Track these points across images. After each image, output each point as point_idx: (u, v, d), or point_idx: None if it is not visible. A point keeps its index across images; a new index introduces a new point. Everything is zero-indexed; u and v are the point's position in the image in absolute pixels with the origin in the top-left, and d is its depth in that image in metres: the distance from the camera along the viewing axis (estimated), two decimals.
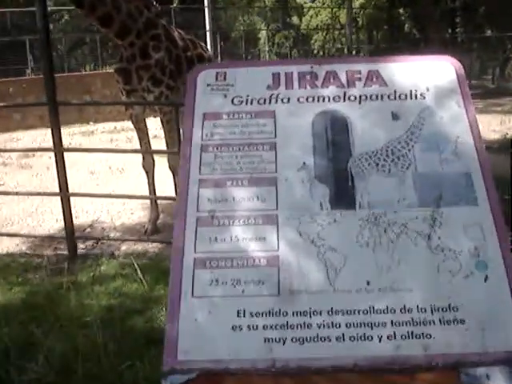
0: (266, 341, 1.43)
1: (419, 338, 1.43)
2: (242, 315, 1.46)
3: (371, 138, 1.70)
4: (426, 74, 1.82)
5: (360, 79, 1.82)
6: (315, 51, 23.32)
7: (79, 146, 9.61)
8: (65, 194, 4.66)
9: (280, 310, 1.46)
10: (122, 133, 10.71)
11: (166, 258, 4.83)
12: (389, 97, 1.78)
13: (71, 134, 10.55)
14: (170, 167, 5.31)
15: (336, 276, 1.50)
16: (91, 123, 12.11)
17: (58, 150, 4.61)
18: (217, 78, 1.83)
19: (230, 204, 1.62)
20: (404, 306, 1.46)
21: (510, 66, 20.74)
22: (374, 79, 1.81)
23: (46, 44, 4.52)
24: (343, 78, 1.82)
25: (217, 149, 1.71)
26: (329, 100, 1.78)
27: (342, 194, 1.63)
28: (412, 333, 1.43)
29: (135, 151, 5.46)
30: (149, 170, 5.39)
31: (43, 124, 11.82)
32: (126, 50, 4.83)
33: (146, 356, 3.21)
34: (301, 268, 1.52)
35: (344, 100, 1.78)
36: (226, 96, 1.80)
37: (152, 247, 5.21)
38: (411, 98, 1.78)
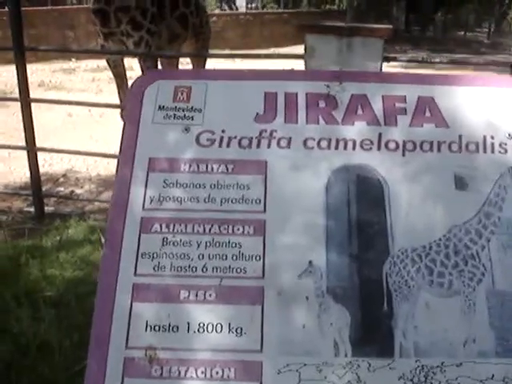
0: None
1: None
2: None
3: (422, 222, 1.03)
4: (508, 106, 1.13)
5: (405, 112, 1.12)
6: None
7: (59, 84, 9.05)
8: (31, 148, 4.07)
9: None
10: (105, 72, 10.07)
11: None
12: (450, 146, 1.10)
13: (52, 71, 10.04)
14: None
15: None
16: (73, 60, 11.49)
17: (24, 99, 3.98)
18: (176, 97, 1.13)
19: (183, 336, 0.95)
20: None
21: (505, 22, 19.98)
22: (428, 113, 1.12)
23: None
24: (378, 109, 1.12)
25: (167, 227, 1.03)
26: (354, 147, 1.09)
27: (372, 327, 0.97)
28: None
29: (111, 106, 4.82)
30: None
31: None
32: None
33: None
34: None
35: (379, 148, 1.09)
36: (187, 130, 1.11)
37: None
38: (485, 151, 1.10)
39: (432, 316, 0.97)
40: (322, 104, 1.12)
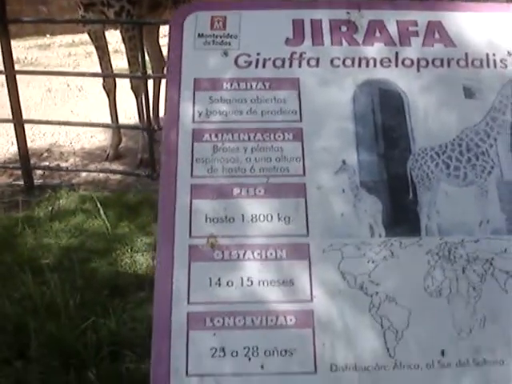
0: None
1: None
2: None
3: (438, 126, 1.19)
4: (509, 29, 1.29)
5: (417, 34, 1.27)
6: None
7: (35, 60, 8.89)
8: (18, 121, 4.10)
9: None
10: (81, 46, 9.91)
11: (129, 187, 4.48)
12: (458, 62, 1.25)
13: (27, 48, 9.83)
14: (132, 89, 4.83)
15: (397, 342, 1.03)
16: (48, 36, 11.28)
17: (10, 72, 4.00)
18: (213, 26, 1.26)
19: (239, 226, 1.10)
20: None
21: None
22: (437, 35, 1.27)
23: None
24: (394, 32, 1.27)
25: (216, 136, 1.16)
26: (375, 65, 1.24)
27: (401, 212, 1.12)
28: None
29: (94, 74, 4.85)
30: (110, 90, 4.90)
31: None
32: None
33: (110, 308, 2.84)
34: (346, 330, 1.03)
35: (396, 65, 1.24)
36: (226, 54, 1.24)
37: (113, 175, 4.80)
38: (488, 66, 1.26)
39: (451, 202, 1.13)
40: (343, 29, 1.27)
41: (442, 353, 1.02)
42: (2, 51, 4.14)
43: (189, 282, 1.05)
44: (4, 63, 4.18)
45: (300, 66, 1.23)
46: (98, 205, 3.85)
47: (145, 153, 4.87)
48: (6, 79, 4.22)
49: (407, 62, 1.24)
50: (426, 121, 1.19)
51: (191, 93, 1.19)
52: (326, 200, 1.11)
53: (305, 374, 1.00)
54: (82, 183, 4.64)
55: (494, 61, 1.26)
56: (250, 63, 1.23)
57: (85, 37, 10.74)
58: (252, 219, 1.10)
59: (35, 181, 4.66)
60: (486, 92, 1.22)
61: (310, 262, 1.07)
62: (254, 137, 1.16)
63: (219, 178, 1.13)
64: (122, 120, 5.23)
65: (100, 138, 5.61)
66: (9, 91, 4.23)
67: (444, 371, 1.01)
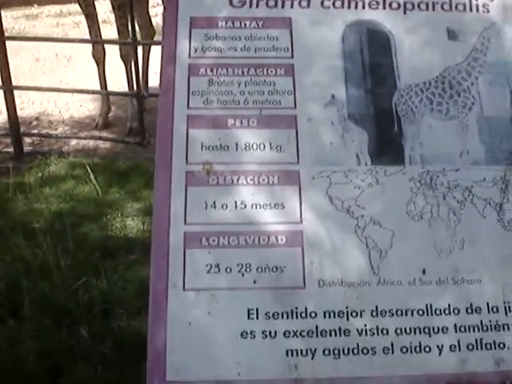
0: (288, 353, 1.03)
1: (490, 348, 1.06)
2: (255, 316, 1.05)
3: (422, 64, 1.25)
4: None
5: None
6: None
7: (23, 30, 8.83)
8: (7, 87, 4.12)
9: (306, 310, 1.06)
10: (69, 17, 9.84)
11: (118, 155, 4.51)
12: (442, 6, 1.31)
13: (14, 18, 9.75)
14: (121, 57, 4.84)
15: (381, 261, 1.10)
16: (35, 6, 11.15)
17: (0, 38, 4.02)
18: None
19: (233, 153, 1.16)
20: (471, 305, 1.08)
21: None
22: None
23: None
24: None
25: (211, 71, 1.22)
26: (363, 6, 1.30)
27: (386, 143, 1.19)
28: (481, 341, 1.06)
29: (84, 41, 4.85)
30: (99, 59, 4.90)
31: None
32: None
33: (102, 269, 2.90)
34: (333, 249, 1.10)
35: (384, 7, 1.30)
36: None
37: (103, 143, 4.83)
38: (471, 10, 1.32)
39: (434, 135, 1.20)
40: None
41: (423, 271, 1.09)
42: None
43: (185, 205, 1.11)
44: None
45: (292, 6, 1.28)
46: (89, 170, 3.89)
47: (134, 121, 4.89)
48: None
49: (394, 5, 1.30)
50: (411, 59, 1.25)
51: (187, 30, 1.24)
52: (316, 131, 1.18)
53: (294, 288, 1.07)
54: (71, 151, 4.67)
55: (477, 5, 1.32)
56: (244, 3, 1.28)
57: (73, 7, 10.65)
58: (245, 148, 1.16)
59: (25, 148, 4.68)
60: (469, 34, 1.29)
61: (300, 188, 1.13)
62: (248, 72, 1.22)
63: (214, 109, 1.19)
64: (111, 89, 5.24)
65: (89, 107, 5.62)
66: None
67: (424, 288, 1.09)
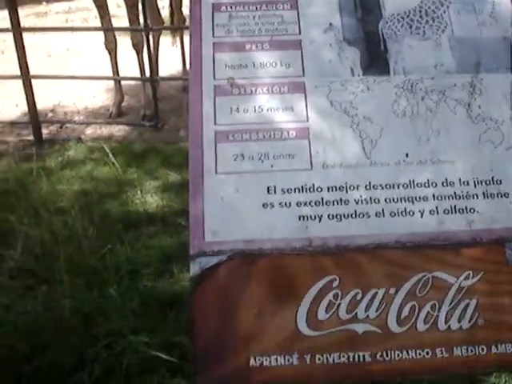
0: (300, 218, 1.31)
1: (463, 212, 1.33)
2: (273, 192, 1.33)
3: None
4: None
5: None
6: None
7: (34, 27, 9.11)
8: (26, 77, 4.40)
9: (314, 186, 1.33)
10: (78, 13, 10.17)
11: (134, 140, 4.72)
12: None
13: (24, 16, 10.08)
14: (133, 46, 5.10)
15: (372, 148, 1.37)
16: (44, 3, 11.44)
17: (16, 30, 4.30)
18: None
19: (251, 70, 1.44)
20: (446, 180, 1.35)
21: None
22: None
23: None
24: None
25: (231, 8, 1.51)
26: None
27: (374, 59, 1.47)
28: (455, 207, 1.33)
29: (97, 29, 5.14)
30: (111, 49, 5.15)
31: None
32: None
33: (126, 239, 3.14)
34: (334, 140, 1.38)
35: None
36: None
37: (118, 130, 5.08)
38: None
39: (413, 52, 1.47)
40: None
41: (407, 155, 1.37)
42: (9, 11, 4.41)
43: (214, 110, 1.39)
44: (11, 21, 4.45)
45: None
46: (107, 150, 4.13)
47: (147, 108, 5.15)
48: (14, 38, 4.49)
49: None
50: None
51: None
52: (317, 51, 1.46)
53: (303, 170, 1.35)
54: (88, 139, 4.93)
55: None
56: None
57: (80, 4, 10.93)
58: (260, 65, 1.44)
59: (44, 137, 4.93)
60: None
61: (305, 94, 1.41)
62: (260, 7, 1.50)
63: (234, 37, 1.47)
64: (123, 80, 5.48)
65: (102, 98, 5.88)
66: (16, 48, 4.50)
67: (408, 168, 1.36)
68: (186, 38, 6.03)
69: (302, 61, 1.44)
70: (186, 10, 6.25)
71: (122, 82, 5.28)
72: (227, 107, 1.40)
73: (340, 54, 1.46)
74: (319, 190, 1.33)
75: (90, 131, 5.03)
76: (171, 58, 6.08)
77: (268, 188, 1.33)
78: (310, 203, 1.32)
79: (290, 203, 1.32)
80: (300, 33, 1.48)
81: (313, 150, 1.36)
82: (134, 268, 2.92)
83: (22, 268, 2.93)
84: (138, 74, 5.28)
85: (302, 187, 1.33)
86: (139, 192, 3.81)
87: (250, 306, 1.27)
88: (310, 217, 1.31)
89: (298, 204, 1.32)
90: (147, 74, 5.02)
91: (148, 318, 2.56)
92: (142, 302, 2.64)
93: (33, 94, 4.59)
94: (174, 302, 2.65)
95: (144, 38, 4.86)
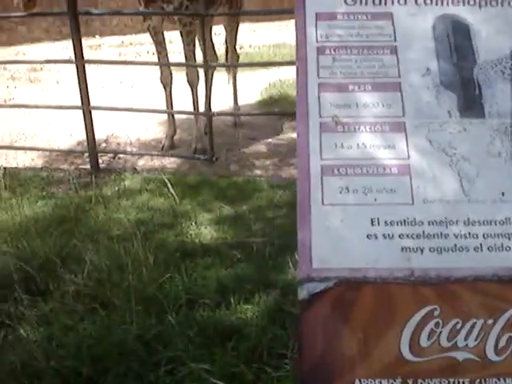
0: (403, 250, 1.39)
1: None
2: (377, 223, 1.41)
3: (495, 46, 1.62)
4: None
5: None
6: None
7: (88, 59, 9.41)
8: (86, 107, 4.55)
9: (415, 219, 1.42)
10: (130, 47, 10.45)
11: (187, 173, 4.81)
12: (509, 3, 1.69)
13: None
14: (188, 81, 5.24)
15: (470, 186, 1.45)
16: (97, 37, 11.72)
17: (80, 62, 4.47)
18: None
19: (354, 110, 1.54)
20: None
21: None
22: None
23: None
24: None
25: (334, 51, 1.62)
26: (447, 4, 1.68)
27: (470, 102, 1.56)
28: None
29: (156, 64, 5.33)
30: (166, 83, 5.30)
31: (49, 37, 11.57)
32: None
33: (183, 268, 3.21)
34: (433, 177, 1.46)
35: (463, 4, 1.68)
36: None
37: (170, 163, 5.19)
38: None
39: (506, 96, 1.56)
40: None
41: (503, 194, 1.45)
42: (73, 42, 4.59)
43: (320, 146, 1.49)
44: (75, 53, 4.62)
45: (393, 4, 1.68)
46: (167, 181, 4.24)
47: (199, 142, 5.27)
48: (77, 69, 4.66)
49: (471, 2, 1.68)
50: (486, 43, 1.63)
51: (314, 22, 1.64)
52: (416, 93, 1.56)
53: (405, 204, 1.43)
54: (144, 170, 5.05)
55: None
56: (355, 2, 1.68)
57: (133, 38, 11.20)
58: (363, 105, 1.54)
59: (100, 165, 5.06)
60: None
61: (406, 134, 1.51)
62: (362, 52, 1.61)
63: (338, 78, 1.58)
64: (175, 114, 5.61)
65: (154, 130, 6.02)
66: (78, 79, 4.67)
67: (504, 205, 1.43)
68: (239, 76, 6.22)
69: (402, 102, 1.54)
70: (239, 49, 6.45)
71: (175, 116, 5.43)
72: (332, 143, 1.50)
73: (437, 97, 1.55)
74: (420, 223, 1.41)
75: (142, 162, 5.17)
76: (223, 93, 6.25)
77: (372, 220, 1.41)
78: (411, 236, 1.40)
79: (392, 235, 1.40)
80: (399, 76, 1.58)
81: (414, 185, 1.45)
82: (191, 297, 2.98)
83: (83, 292, 3.03)
84: (187, 108, 5.42)
85: (404, 220, 1.41)
86: (194, 223, 3.89)
87: (355, 331, 1.35)
88: (412, 249, 1.39)
89: (401, 236, 1.40)
90: (199, 108, 5.16)
91: (207, 347, 2.62)
92: (200, 331, 2.71)
93: (92, 125, 4.74)
94: (232, 333, 2.71)
95: (198, 73, 5.03)
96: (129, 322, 2.75)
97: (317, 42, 1.62)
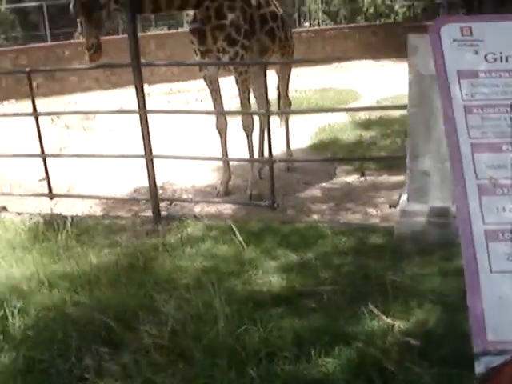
0: None
1: None
2: None
3: None
4: None
5: None
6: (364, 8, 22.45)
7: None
8: (149, 156, 4.58)
9: None
10: (178, 94, 10.63)
11: (247, 218, 4.76)
12: None
13: (127, 96, 10.60)
14: (243, 128, 5.27)
15: None
16: (146, 85, 11.91)
17: (143, 111, 4.52)
18: (462, 33, 1.68)
19: (510, 170, 1.48)
20: None
21: None
22: None
23: (129, 7, 4.36)
24: None
25: (482, 110, 1.57)
26: None
27: None
28: None
29: (209, 112, 5.37)
30: (221, 130, 5.33)
31: (99, 86, 11.81)
32: (200, 12, 4.76)
33: (257, 319, 3.14)
34: None
35: None
36: (477, 52, 1.65)
37: (225, 208, 5.15)
38: None
39: None
40: None
41: None
42: (137, 92, 4.64)
43: (481, 209, 1.43)
44: (138, 102, 4.67)
45: None
46: (235, 229, 4.15)
47: (254, 188, 5.25)
48: (140, 117, 4.70)
49: None
50: None
51: (456, 80, 1.60)
52: None
53: None
54: (204, 216, 4.99)
55: None
56: (495, 59, 1.64)
57: (181, 85, 11.32)
58: None
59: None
60: None
61: None
62: (510, 110, 1.56)
63: (490, 138, 1.53)
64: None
65: (209, 176, 6.03)
66: (142, 129, 4.71)
67: None
68: (291, 121, 6.23)
69: None
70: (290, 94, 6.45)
71: (230, 162, 5.43)
72: (493, 206, 1.44)
73: None
74: None
75: (198, 208, 5.15)
76: (274, 138, 6.26)
77: None
78: None
79: None
80: None
81: None
82: (270, 350, 2.91)
83: (160, 344, 2.96)
84: (239, 154, 5.42)
85: None
86: (260, 271, 3.82)
87: None
88: None
89: None
90: (253, 154, 5.16)
91: None
92: None
93: (154, 173, 4.75)
94: None
95: (253, 120, 5.04)
96: (210, 376, 2.68)
97: (462, 100, 1.58)
